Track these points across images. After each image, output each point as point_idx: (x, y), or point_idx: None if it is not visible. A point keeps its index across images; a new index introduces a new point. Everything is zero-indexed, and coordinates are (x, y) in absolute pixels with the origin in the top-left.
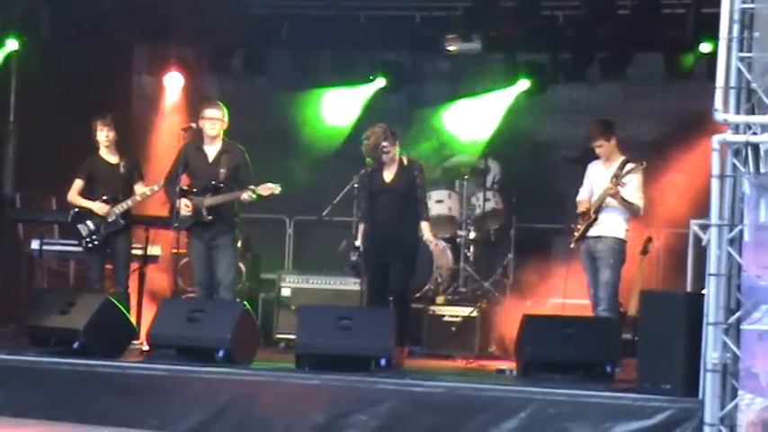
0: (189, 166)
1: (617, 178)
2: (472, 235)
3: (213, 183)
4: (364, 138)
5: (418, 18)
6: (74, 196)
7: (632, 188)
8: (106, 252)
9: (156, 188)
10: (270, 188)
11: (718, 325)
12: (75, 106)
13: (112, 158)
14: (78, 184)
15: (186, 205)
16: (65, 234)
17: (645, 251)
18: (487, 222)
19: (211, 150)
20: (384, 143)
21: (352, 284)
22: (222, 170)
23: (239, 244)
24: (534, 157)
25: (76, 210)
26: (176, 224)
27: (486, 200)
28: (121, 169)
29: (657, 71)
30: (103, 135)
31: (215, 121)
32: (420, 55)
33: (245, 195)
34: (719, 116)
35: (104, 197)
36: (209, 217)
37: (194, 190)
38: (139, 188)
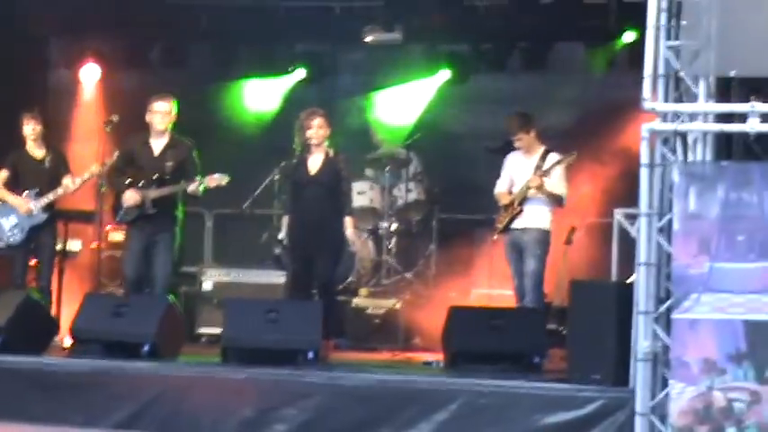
0: (134, 160)
1: (541, 170)
2: (394, 226)
3: (159, 176)
4: (299, 117)
5: (338, 9)
6: None
7: (556, 178)
8: (30, 247)
9: (78, 181)
10: (216, 179)
11: (649, 314)
12: None
13: (39, 152)
14: (3, 175)
15: (133, 197)
16: None
17: (569, 241)
18: (410, 213)
19: (158, 144)
20: (318, 119)
21: (274, 277)
22: (169, 163)
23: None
24: (456, 148)
25: None
26: (119, 218)
27: (408, 191)
28: (47, 164)
29: (578, 60)
30: (30, 128)
31: (164, 114)
32: (340, 46)
33: (192, 187)
34: (648, 105)
35: (27, 192)
36: (153, 210)
37: (140, 183)
38: (64, 180)
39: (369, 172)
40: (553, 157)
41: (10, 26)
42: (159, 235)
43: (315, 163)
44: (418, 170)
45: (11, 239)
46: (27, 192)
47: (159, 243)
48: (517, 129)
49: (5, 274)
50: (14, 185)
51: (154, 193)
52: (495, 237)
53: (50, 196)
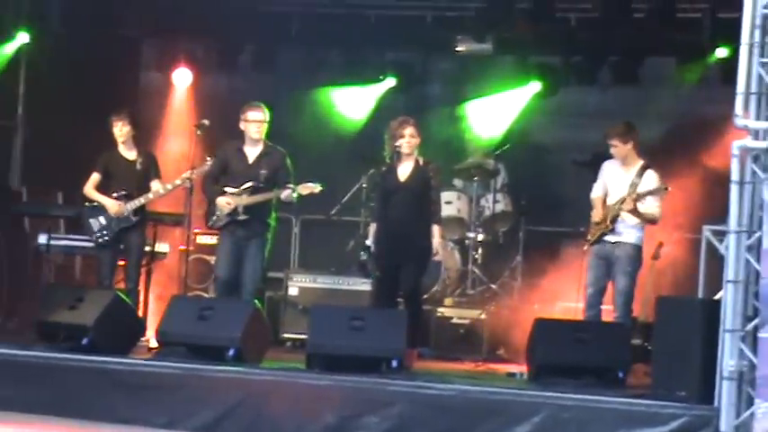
0: (228, 167)
1: (635, 192)
2: (480, 237)
3: (253, 183)
4: (390, 126)
5: (429, 18)
6: (89, 190)
7: (650, 200)
8: (119, 248)
9: (169, 187)
10: (310, 187)
11: (735, 332)
12: (84, 101)
13: (130, 154)
14: (95, 177)
15: (228, 203)
16: (71, 228)
17: (656, 256)
18: (496, 224)
19: (252, 152)
20: (410, 128)
21: (360, 284)
22: (263, 171)
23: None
24: (544, 160)
25: (89, 204)
26: (211, 223)
27: (495, 202)
28: (138, 166)
29: (669, 75)
30: (118, 129)
31: (259, 123)
32: (431, 55)
33: (286, 194)
34: (740, 122)
35: (116, 194)
36: (245, 216)
37: (233, 190)
38: (155, 185)
39: (456, 182)
40: (650, 175)
41: (105, 26)
42: (251, 240)
43: (405, 170)
44: (506, 181)
45: (100, 240)
46: (117, 194)
47: (250, 248)
48: (614, 135)
49: (94, 274)
50: (105, 187)
51: (247, 199)
52: (586, 248)
53: (141, 200)
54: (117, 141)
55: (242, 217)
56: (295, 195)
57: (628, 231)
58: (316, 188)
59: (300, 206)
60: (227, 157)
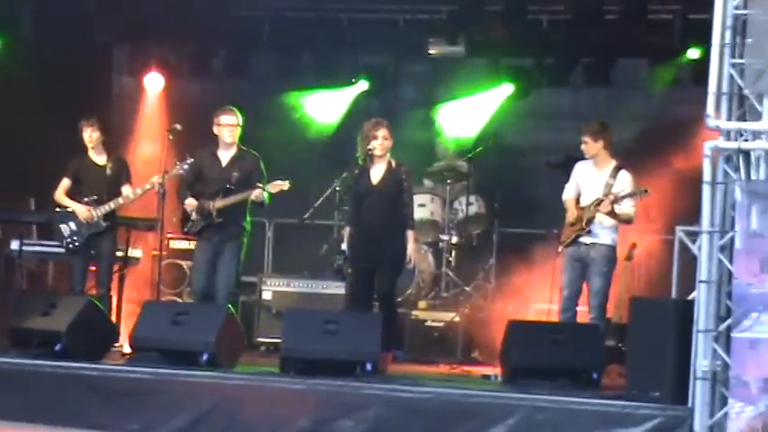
0: (202, 173)
1: (615, 197)
2: (454, 239)
3: (227, 186)
4: (363, 127)
5: (402, 21)
6: (60, 195)
7: (627, 200)
8: (90, 253)
9: (139, 192)
10: (279, 185)
11: (709, 332)
12: (56, 106)
13: (100, 159)
14: (65, 183)
15: (191, 203)
16: (43, 234)
17: (629, 257)
18: (470, 227)
19: (225, 156)
20: (383, 130)
21: (334, 288)
22: (235, 173)
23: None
24: (517, 162)
25: (59, 209)
26: (187, 229)
27: (468, 204)
28: (108, 171)
29: (641, 76)
30: (87, 135)
31: (232, 127)
32: (403, 58)
33: (257, 193)
34: (712, 122)
35: (87, 199)
36: (219, 219)
37: (206, 193)
38: (125, 190)
39: (429, 184)
40: (624, 176)
41: (77, 33)
42: (226, 244)
43: (377, 173)
44: (479, 183)
45: (70, 246)
46: (87, 199)
47: (225, 252)
48: (587, 132)
49: (66, 280)
50: (76, 192)
51: (219, 202)
52: (560, 249)
53: (111, 205)
54: (87, 147)
55: (217, 220)
56: (266, 194)
57: (603, 233)
58: (285, 185)
59: (273, 210)
60: (201, 163)
